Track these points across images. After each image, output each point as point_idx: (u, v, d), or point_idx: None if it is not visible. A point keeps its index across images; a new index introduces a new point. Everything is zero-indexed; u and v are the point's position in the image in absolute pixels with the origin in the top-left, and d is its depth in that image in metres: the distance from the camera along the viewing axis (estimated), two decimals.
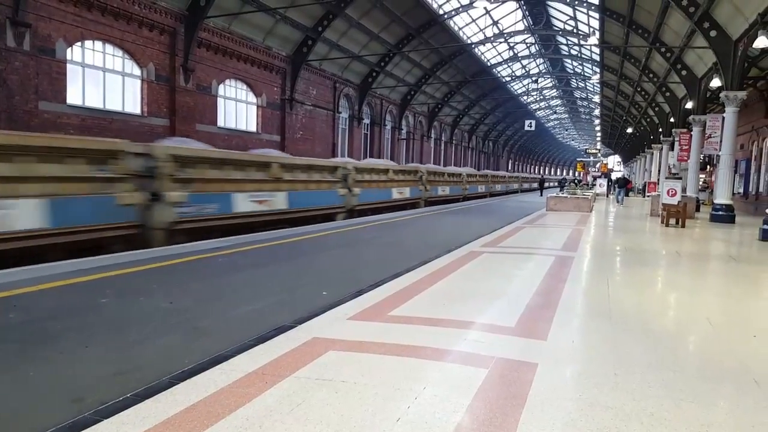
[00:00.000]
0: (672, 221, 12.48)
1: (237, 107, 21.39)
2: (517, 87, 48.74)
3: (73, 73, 14.83)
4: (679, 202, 12.73)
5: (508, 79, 44.45)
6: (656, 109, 26.68)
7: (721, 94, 13.66)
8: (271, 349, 3.10)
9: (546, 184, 42.16)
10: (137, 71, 16.76)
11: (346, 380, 2.67)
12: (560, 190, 28.57)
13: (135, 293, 4.80)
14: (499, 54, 39.49)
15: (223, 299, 4.75)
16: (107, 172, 7.37)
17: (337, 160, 15.28)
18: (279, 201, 11.07)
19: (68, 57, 14.56)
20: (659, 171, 27.13)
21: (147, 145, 8.61)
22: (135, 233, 7.72)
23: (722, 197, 13.90)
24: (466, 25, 32.71)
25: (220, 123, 20.20)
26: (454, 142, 48.00)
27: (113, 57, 16.06)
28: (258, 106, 22.29)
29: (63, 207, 6.68)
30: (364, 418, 2.27)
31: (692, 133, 18.58)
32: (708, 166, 25.66)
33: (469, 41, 33.70)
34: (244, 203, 10.03)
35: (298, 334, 3.41)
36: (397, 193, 18.00)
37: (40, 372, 3.02)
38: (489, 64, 39.60)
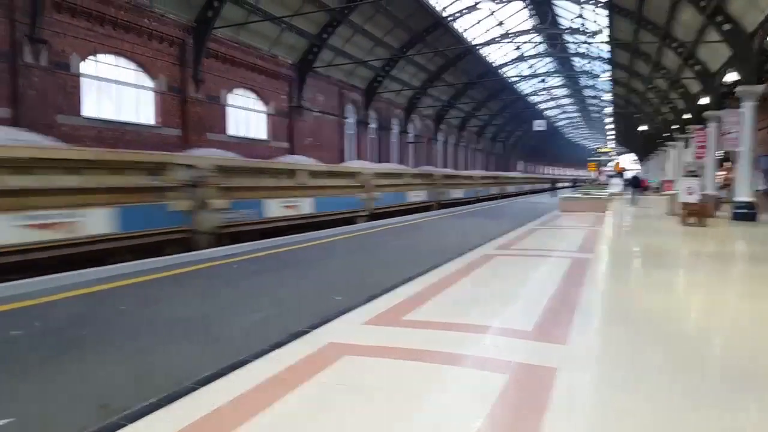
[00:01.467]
0: (691, 220, 12.24)
1: (246, 116, 21.58)
2: (525, 87, 48.48)
3: (87, 86, 15.10)
4: (698, 200, 12.47)
5: (515, 79, 44.22)
6: (670, 105, 26.31)
7: (738, 89, 13.37)
8: (289, 355, 3.11)
9: (558, 185, 41.48)
10: (149, 83, 17.01)
11: (363, 385, 2.66)
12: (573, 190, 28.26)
13: (154, 301, 4.85)
14: (506, 54, 39.36)
15: (239, 305, 4.77)
16: None
17: (166, 154, 9.33)
18: None
19: (82, 71, 14.84)
20: (675, 168, 26.70)
21: None
22: None
23: (743, 194, 13.53)
24: (471, 26, 32.66)
25: (231, 132, 20.38)
26: (462, 144, 47.82)
27: (126, 70, 16.33)
28: (267, 114, 22.48)
29: None
30: (381, 424, 2.26)
31: (709, 129, 18.23)
32: (726, 162, 25.16)
33: (474, 43, 33.61)
34: None
35: (314, 339, 3.41)
36: (310, 206, 12.20)
37: (66, 379, 3.06)
38: (495, 65, 39.47)
